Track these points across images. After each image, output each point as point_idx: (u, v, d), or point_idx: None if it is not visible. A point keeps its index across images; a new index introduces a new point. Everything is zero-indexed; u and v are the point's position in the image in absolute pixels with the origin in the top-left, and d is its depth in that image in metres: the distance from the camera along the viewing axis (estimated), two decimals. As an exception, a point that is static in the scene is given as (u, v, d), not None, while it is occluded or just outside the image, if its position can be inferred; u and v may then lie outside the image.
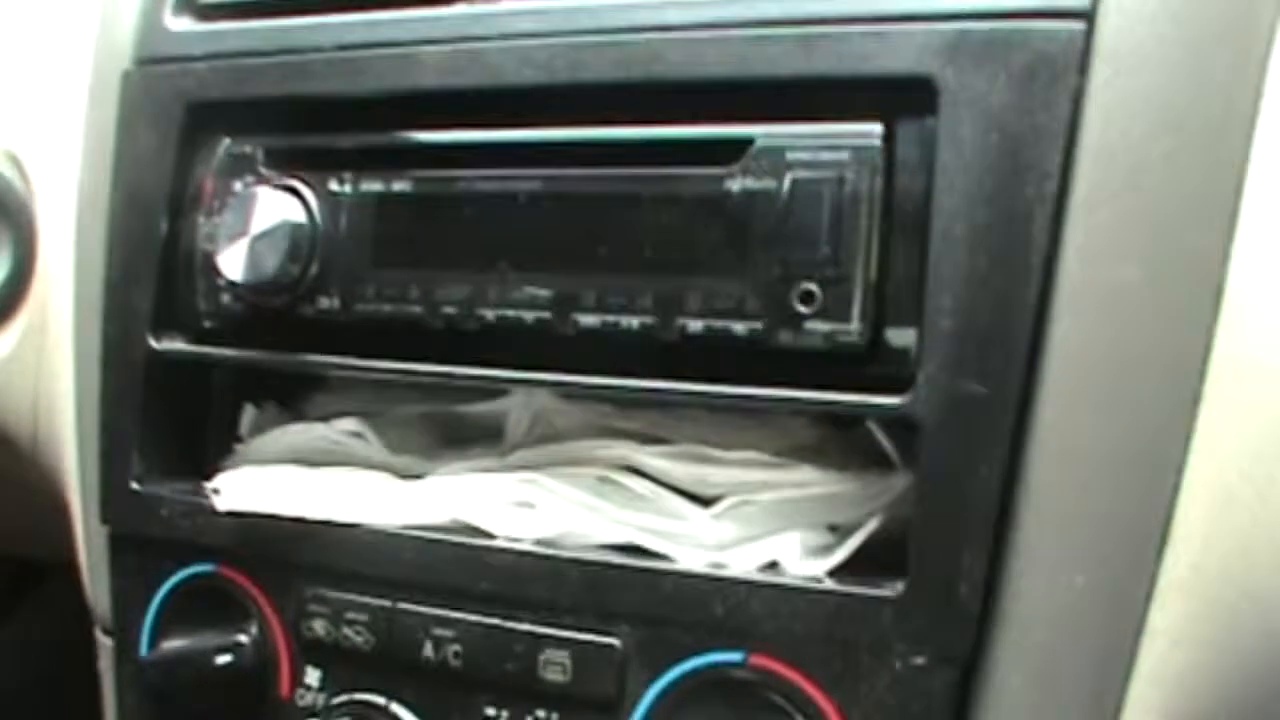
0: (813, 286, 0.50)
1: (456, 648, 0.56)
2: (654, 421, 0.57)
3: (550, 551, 0.56)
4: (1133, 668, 0.50)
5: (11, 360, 0.76)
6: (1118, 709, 0.50)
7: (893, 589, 0.50)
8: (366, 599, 0.58)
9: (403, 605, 0.58)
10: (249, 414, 0.67)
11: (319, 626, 0.59)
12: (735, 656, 0.52)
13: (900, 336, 0.51)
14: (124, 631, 0.66)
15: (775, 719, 0.51)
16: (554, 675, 0.54)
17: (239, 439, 0.67)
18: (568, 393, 0.59)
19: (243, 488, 0.62)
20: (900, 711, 0.49)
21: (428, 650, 0.57)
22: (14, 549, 1.06)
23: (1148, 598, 0.50)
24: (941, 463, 0.49)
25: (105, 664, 0.69)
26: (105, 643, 0.69)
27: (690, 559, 0.54)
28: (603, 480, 0.56)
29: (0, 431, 0.77)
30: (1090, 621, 0.49)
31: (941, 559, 0.49)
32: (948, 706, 0.50)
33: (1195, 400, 0.49)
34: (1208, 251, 0.49)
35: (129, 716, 0.66)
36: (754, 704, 0.51)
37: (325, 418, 0.64)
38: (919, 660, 0.49)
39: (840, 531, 0.54)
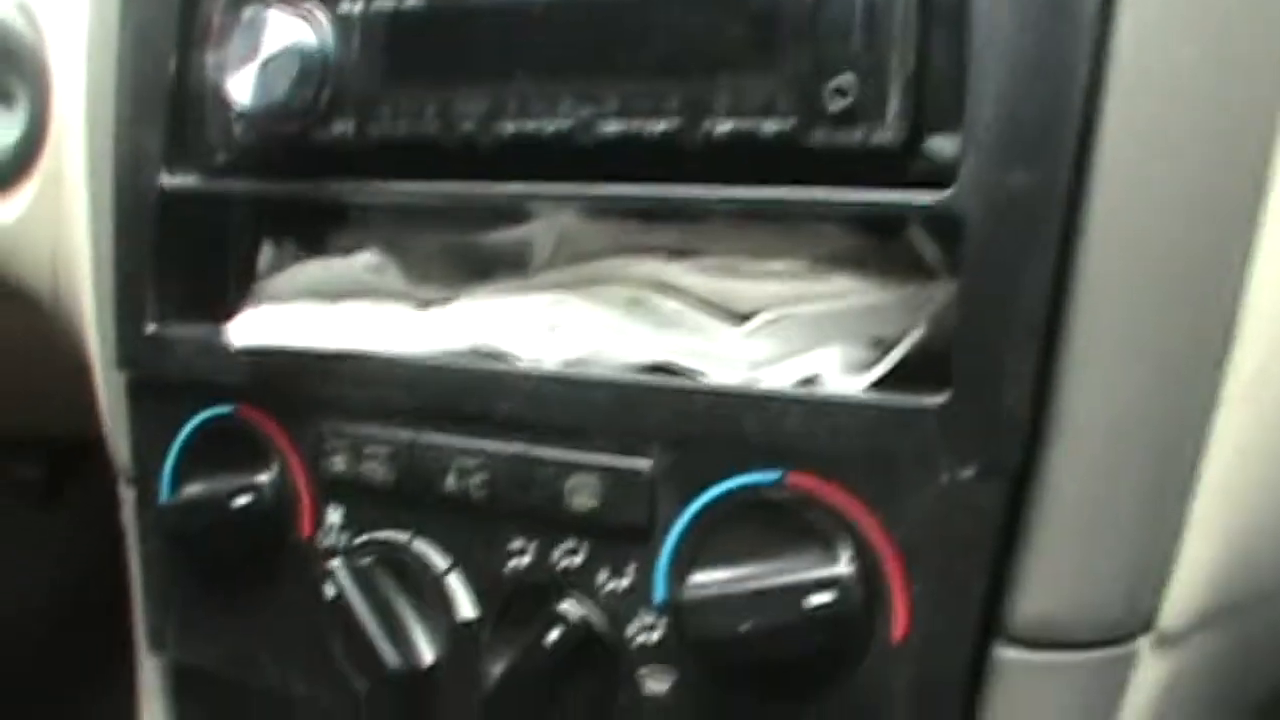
0: (847, 80, 0.46)
1: (480, 478, 0.53)
2: (681, 236, 0.53)
3: (576, 373, 0.53)
4: (1195, 478, 0.47)
5: (30, 216, 0.75)
6: (1180, 522, 0.47)
7: (937, 399, 0.46)
8: (386, 431, 0.56)
9: (424, 436, 0.55)
10: (266, 252, 0.64)
11: (339, 463, 0.56)
12: (771, 476, 0.49)
13: (941, 131, 0.47)
14: (144, 479, 0.63)
15: (815, 540, 0.48)
16: (582, 503, 0.51)
17: (257, 278, 0.63)
18: (592, 209, 0.55)
19: (260, 325, 0.59)
20: (947, 528, 0.46)
21: (450, 482, 0.54)
22: (54, 429, 1.05)
23: (1211, 403, 0.46)
24: (987, 261, 0.46)
25: (128, 516, 0.66)
26: (128, 494, 0.66)
27: (723, 377, 0.50)
28: (631, 301, 0.53)
29: (22, 288, 0.75)
30: (1149, 428, 0.46)
31: (988, 364, 0.46)
32: (998, 521, 0.46)
33: (1260, 189, 0.45)
34: (1274, 27, 0.44)
35: (152, 565, 0.64)
36: (793, 525, 0.48)
37: (345, 252, 0.61)
38: (966, 473, 0.46)
39: (881, 345, 0.50)
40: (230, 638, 0.61)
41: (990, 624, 0.48)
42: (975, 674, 0.48)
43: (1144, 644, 0.48)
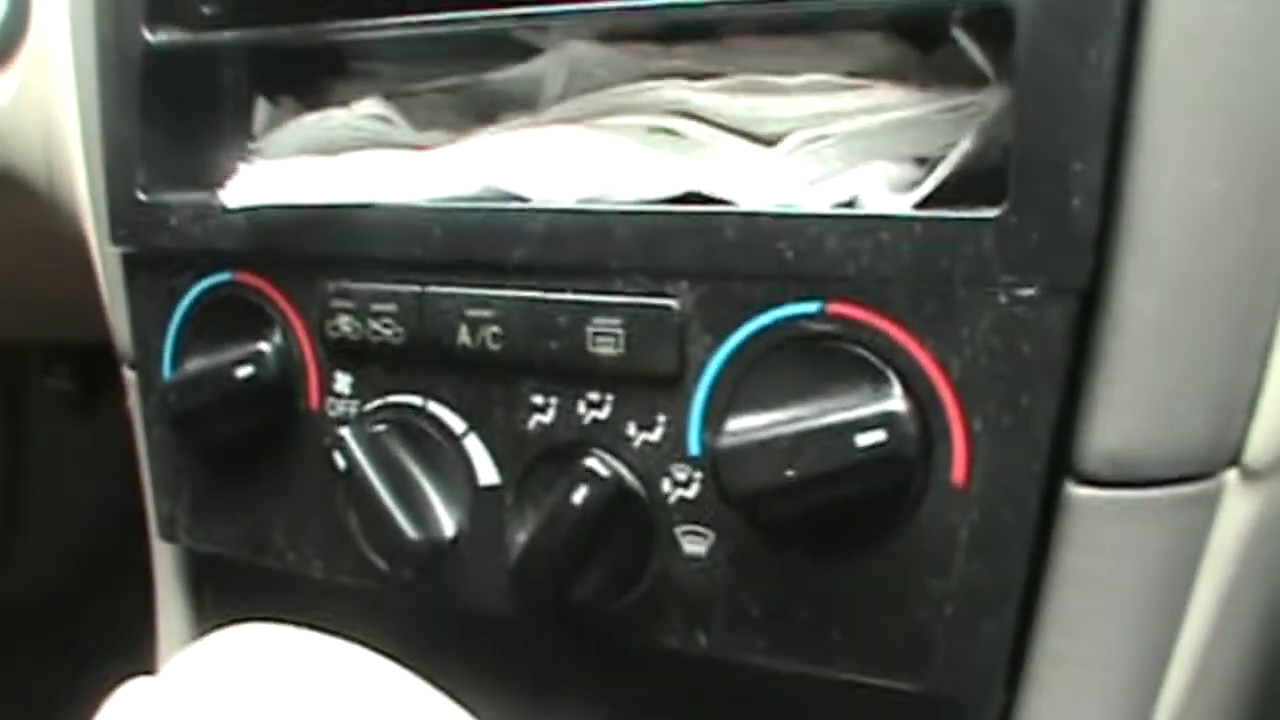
0: None
1: (494, 329, 0.48)
2: (702, 56, 0.48)
3: (594, 209, 0.47)
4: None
5: (18, 100, 0.72)
6: (1267, 343, 0.42)
7: (993, 212, 0.41)
8: (393, 287, 0.51)
9: (433, 289, 0.50)
10: (261, 109, 0.59)
11: (345, 324, 0.52)
12: (812, 307, 0.44)
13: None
14: (145, 360, 0.59)
15: (862, 376, 0.43)
16: (605, 349, 0.47)
17: (252, 138, 0.58)
18: (604, 34, 0.50)
19: (256, 185, 0.55)
20: (1008, 355, 0.41)
21: (463, 336, 0.49)
22: (83, 337, 1.02)
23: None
24: (1044, 56, 0.41)
25: (132, 401, 0.61)
26: (130, 378, 0.61)
27: (754, 204, 0.45)
28: (651, 130, 0.48)
29: (16, 175, 0.71)
30: (1230, 238, 0.41)
31: (1050, 171, 0.41)
32: (1064, 346, 0.41)
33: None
34: None
35: (158, 452, 0.60)
36: (837, 361, 0.44)
37: (344, 105, 0.55)
38: (1028, 293, 0.41)
39: (927, 163, 0.45)
40: (242, 521, 0.57)
41: (1060, 461, 0.43)
42: (1045, 517, 0.44)
43: (1230, 480, 0.44)
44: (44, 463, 1.27)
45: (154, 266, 0.59)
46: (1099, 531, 0.43)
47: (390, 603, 0.54)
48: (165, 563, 0.65)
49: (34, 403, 1.26)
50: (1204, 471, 0.44)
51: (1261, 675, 0.52)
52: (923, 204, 0.45)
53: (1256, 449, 0.44)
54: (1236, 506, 0.44)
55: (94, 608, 1.14)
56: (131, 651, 0.67)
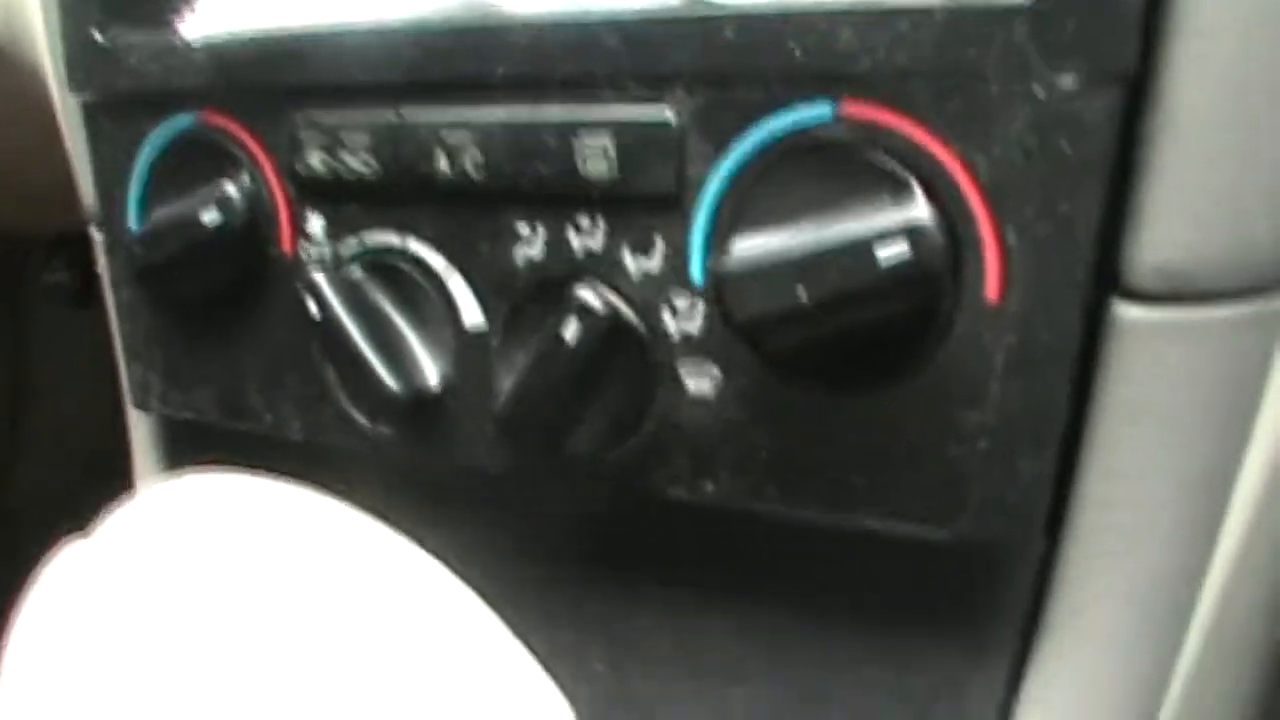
0: None
1: (475, 154, 0.44)
2: None
3: (581, 16, 0.42)
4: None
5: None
6: None
7: None
8: (366, 115, 0.46)
9: (409, 115, 0.45)
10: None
11: (316, 160, 0.47)
12: (823, 110, 0.38)
13: None
14: (110, 214, 0.54)
15: (882, 185, 0.38)
16: (595, 169, 0.42)
17: None
18: None
19: (218, 15, 0.49)
20: (1044, 154, 0.36)
21: (442, 164, 0.44)
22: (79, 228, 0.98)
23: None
24: None
25: (102, 264, 0.57)
26: (98, 238, 0.56)
27: None
28: None
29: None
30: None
31: (1091, -61, 0.34)
32: (1108, 142, 0.36)
33: None
34: None
35: (127, 314, 0.55)
36: (853, 169, 0.39)
37: None
38: (1066, 82, 0.36)
39: None
40: (217, 383, 0.53)
41: (1105, 276, 0.39)
42: (1090, 340, 0.39)
43: (1297, 296, 0.37)
44: (46, 358, 1.24)
45: (114, 112, 0.54)
46: (1150, 354, 0.39)
47: (375, 463, 0.49)
48: (141, 434, 0.60)
49: (36, 300, 1.23)
50: (1267, 284, 0.39)
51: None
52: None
53: (1325, 260, 0.38)
54: (1304, 325, 0.38)
55: (97, 501, 1.11)
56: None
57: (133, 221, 0.54)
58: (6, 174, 0.93)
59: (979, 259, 0.38)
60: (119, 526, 0.36)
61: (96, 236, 0.58)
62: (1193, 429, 0.39)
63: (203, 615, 0.33)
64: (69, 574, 0.36)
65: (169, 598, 0.34)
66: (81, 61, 0.54)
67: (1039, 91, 0.37)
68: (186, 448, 0.60)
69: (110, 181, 0.55)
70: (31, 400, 1.29)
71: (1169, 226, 0.37)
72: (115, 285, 0.57)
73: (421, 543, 0.40)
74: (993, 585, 0.43)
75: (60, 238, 1.19)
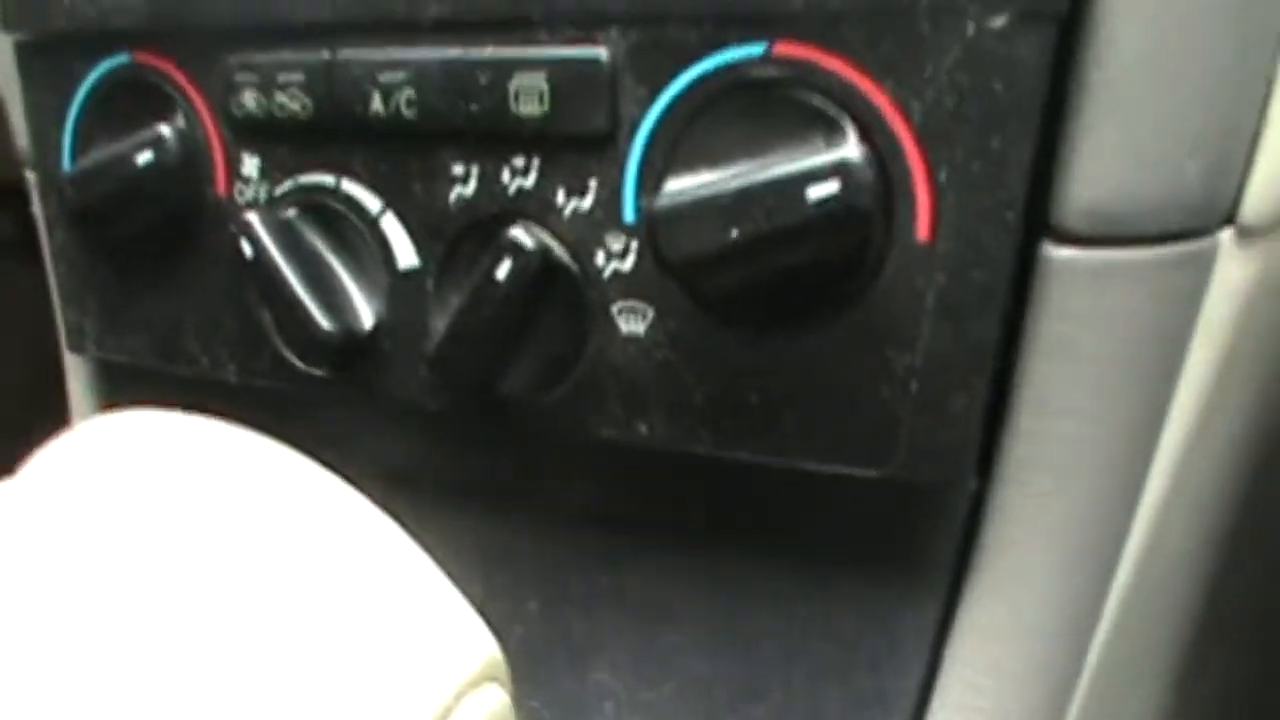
0: None
1: (409, 93, 0.43)
2: None
3: (515, -47, 0.41)
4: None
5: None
6: (1267, 85, 0.38)
7: None
8: (300, 55, 0.45)
9: (342, 54, 0.44)
10: None
11: (249, 100, 0.46)
12: (755, 49, 0.38)
13: None
14: (43, 156, 0.53)
15: (814, 125, 0.38)
16: (529, 108, 0.41)
17: None
18: None
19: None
20: (976, 95, 0.36)
21: (376, 104, 0.44)
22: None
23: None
24: None
25: (36, 207, 0.56)
26: (32, 180, 0.56)
27: None
28: None
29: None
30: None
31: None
32: (1040, 82, 0.37)
33: None
34: None
35: (62, 257, 0.55)
36: (785, 109, 0.39)
37: None
38: (998, 21, 0.36)
39: None
40: (152, 326, 0.52)
41: (1036, 217, 0.39)
42: (1020, 281, 0.39)
43: (1224, 238, 0.40)
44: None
45: (49, 52, 0.53)
46: (1079, 295, 0.39)
47: (311, 404, 0.49)
48: (77, 378, 0.60)
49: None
50: (1196, 228, 0.39)
51: (1256, 459, 0.48)
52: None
53: (1254, 204, 0.39)
54: (1232, 268, 0.40)
55: (33, 439, 1.10)
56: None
57: (66, 163, 0.54)
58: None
59: (910, 199, 0.38)
60: (43, 465, 0.36)
61: (30, 178, 0.57)
62: (1121, 369, 0.40)
63: (125, 550, 0.33)
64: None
65: (90, 534, 0.34)
66: (13, 3, 0.53)
67: (971, 30, 0.37)
68: (123, 387, 0.59)
69: (44, 122, 0.54)
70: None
71: (1099, 169, 0.37)
72: (49, 228, 0.56)
73: (355, 483, 0.39)
74: (924, 524, 0.43)
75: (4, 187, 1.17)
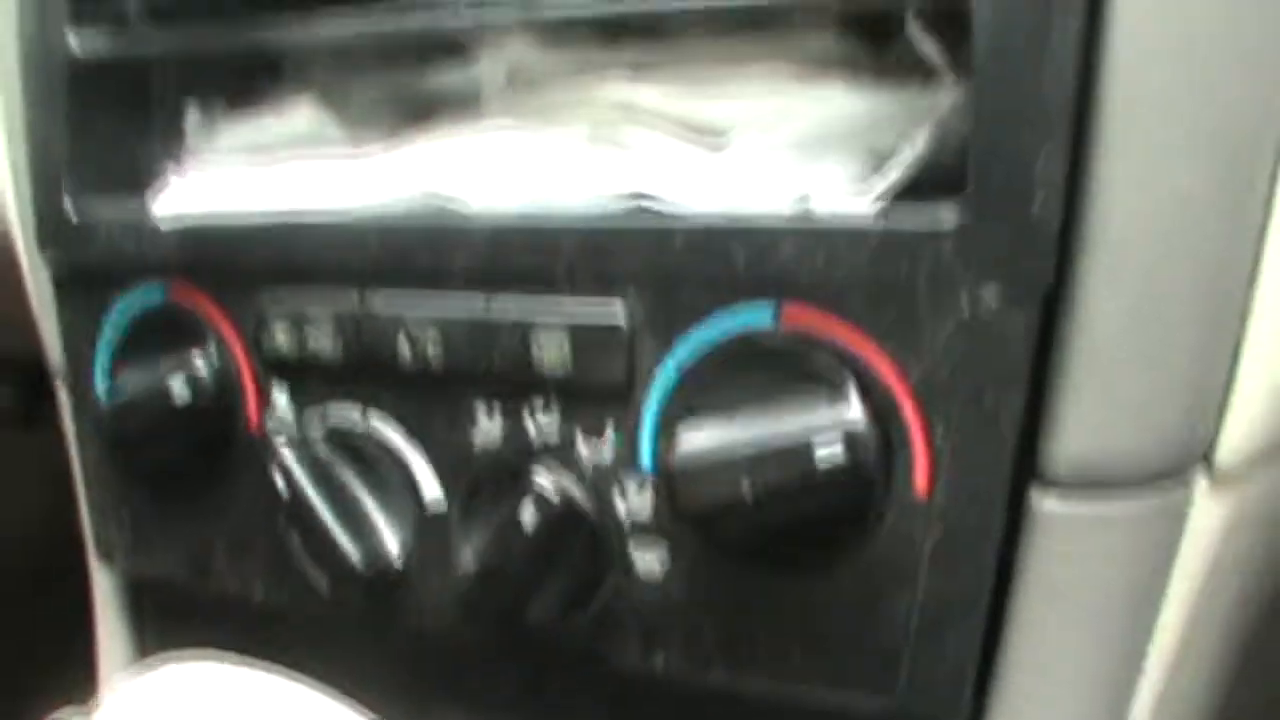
0: None
1: (436, 343, 0.47)
2: (645, 51, 0.45)
3: (537, 216, 0.45)
4: (1252, 292, 0.41)
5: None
6: (1235, 343, 0.40)
7: (951, 214, 0.39)
8: (330, 299, 0.48)
9: (371, 301, 0.47)
10: (193, 113, 0.56)
11: (281, 339, 0.50)
12: (765, 316, 0.42)
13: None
14: (77, 377, 0.56)
15: (819, 387, 0.41)
16: (552, 361, 0.44)
17: (184, 143, 0.55)
18: (544, 35, 0.48)
19: (189, 194, 0.52)
20: (970, 362, 0.40)
21: (404, 349, 0.47)
22: (27, 351, 1.00)
23: (1271, 203, 0.39)
24: (1001, 51, 0.39)
25: (67, 420, 0.59)
26: (64, 397, 0.59)
27: (702, 207, 0.43)
28: (594, 132, 0.45)
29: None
30: (1197, 234, 0.39)
31: (1010, 170, 0.39)
32: (1028, 351, 0.40)
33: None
34: None
35: (94, 474, 0.57)
36: (792, 371, 0.42)
37: (278, 107, 0.53)
38: (989, 297, 0.40)
39: (880, 159, 0.43)
40: (182, 543, 0.55)
41: (1025, 467, 0.42)
42: (1011, 526, 0.42)
43: (1200, 483, 0.42)
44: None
45: (84, 281, 0.56)
46: (1066, 539, 0.42)
47: (337, 627, 0.52)
48: (104, 584, 0.62)
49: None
50: (1173, 472, 0.42)
51: (1232, 680, 0.51)
52: (880, 201, 0.42)
53: (1227, 450, 0.42)
54: (1207, 510, 0.43)
55: (34, 627, 1.12)
56: (71, 670, 0.65)
57: (100, 386, 0.56)
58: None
59: (908, 456, 0.41)
60: (115, 709, 0.39)
61: (63, 396, 0.60)
62: (1107, 605, 0.43)
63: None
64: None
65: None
66: (53, 231, 0.57)
67: (965, 303, 0.40)
68: (150, 594, 0.62)
69: (78, 346, 0.57)
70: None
71: (1084, 424, 0.41)
72: (81, 444, 0.59)
73: (379, 708, 0.42)
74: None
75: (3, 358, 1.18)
